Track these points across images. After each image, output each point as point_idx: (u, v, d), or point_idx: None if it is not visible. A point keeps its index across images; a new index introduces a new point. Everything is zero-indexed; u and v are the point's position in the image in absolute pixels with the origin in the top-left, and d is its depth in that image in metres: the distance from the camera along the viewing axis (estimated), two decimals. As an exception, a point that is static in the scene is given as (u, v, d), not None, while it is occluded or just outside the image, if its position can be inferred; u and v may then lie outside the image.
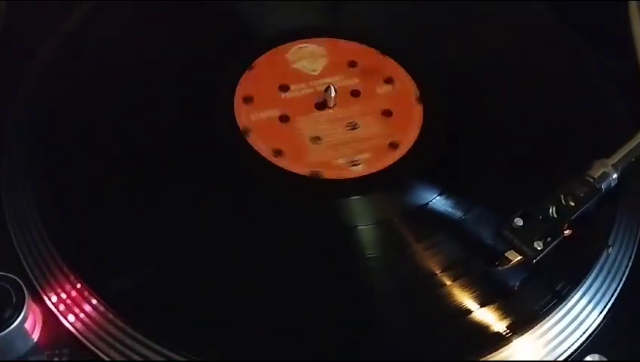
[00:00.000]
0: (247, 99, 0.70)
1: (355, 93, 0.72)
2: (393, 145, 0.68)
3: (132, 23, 0.76)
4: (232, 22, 0.77)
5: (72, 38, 0.73)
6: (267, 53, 0.73)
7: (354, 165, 0.67)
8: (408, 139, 0.69)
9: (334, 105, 0.70)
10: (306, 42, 0.74)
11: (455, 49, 0.77)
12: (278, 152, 0.67)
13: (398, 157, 0.67)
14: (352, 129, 0.70)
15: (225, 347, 0.56)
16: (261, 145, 0.67)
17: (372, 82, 0.73)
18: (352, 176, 0.66)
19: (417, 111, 0.71)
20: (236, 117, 0.69)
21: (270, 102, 0.70)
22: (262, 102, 0.70)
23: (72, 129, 0.67)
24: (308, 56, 0.73)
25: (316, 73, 0.73)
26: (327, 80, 0.72)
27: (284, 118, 0.70)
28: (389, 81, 0.73)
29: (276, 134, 0.68)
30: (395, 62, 0.75)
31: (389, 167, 0.67)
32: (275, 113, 0.69)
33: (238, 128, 0.68)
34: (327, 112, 0.70)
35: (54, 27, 0.75)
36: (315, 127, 0.69)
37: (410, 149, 0.68)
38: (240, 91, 0.70)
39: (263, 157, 0.66)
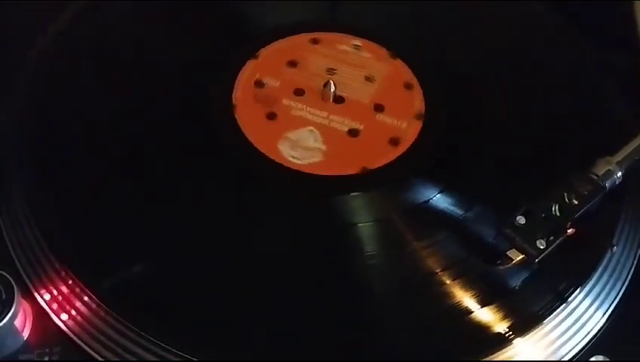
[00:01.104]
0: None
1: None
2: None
3: (127, 21, 0.75)
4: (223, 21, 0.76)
5: (64, 37, 0.72)
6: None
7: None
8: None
9: (334, 99, 0.70)
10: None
11: (454, 47, 0.76)
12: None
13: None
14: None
15: (222, 346, 0.55)
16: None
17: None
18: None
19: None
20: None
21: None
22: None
23: (66, 124, 0.66)
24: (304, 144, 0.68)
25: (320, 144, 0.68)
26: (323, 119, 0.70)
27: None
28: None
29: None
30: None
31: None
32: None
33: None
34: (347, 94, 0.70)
35: (49, 24, 0.74)
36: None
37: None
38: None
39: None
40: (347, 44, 0.75)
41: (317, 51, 0.74)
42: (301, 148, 0.66)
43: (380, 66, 0.73)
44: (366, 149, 0.67)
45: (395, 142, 0.67)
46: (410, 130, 0.68)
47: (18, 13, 0.75)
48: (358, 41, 0.75)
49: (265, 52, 0.73)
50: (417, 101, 0.71)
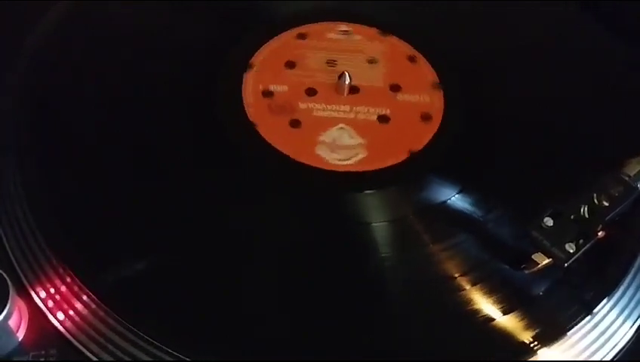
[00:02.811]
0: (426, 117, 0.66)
1: (312, 92, 0.68)
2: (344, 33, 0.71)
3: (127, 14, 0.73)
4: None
5: (65, 29, 0.71)
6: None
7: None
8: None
9: (348, 92, 0.67)
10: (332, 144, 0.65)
11: (479, 41, 0.74)
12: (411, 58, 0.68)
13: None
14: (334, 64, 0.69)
15: (223, 348, 0.54)
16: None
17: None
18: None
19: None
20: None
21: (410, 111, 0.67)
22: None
23: (66, 119, 0.65)
24: (340, 142, 0.64)
25: (350, 129, 0.65)
26: (345, 111, 0.67)
27: (394, 88, 0.68)
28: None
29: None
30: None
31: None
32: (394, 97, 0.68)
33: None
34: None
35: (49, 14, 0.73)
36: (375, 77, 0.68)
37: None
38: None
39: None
40: (335, 32, 0.72)
41: (309, 46, 0.71)
42: (340, 147, 0.64)
43: (376, 46, 0.71)
44: (403, 131, 0.65)
45: (426, 117, 0.66)
46: (435, 102, 0.67)
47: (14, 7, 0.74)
48: (344, 26, 0.73)
49: (258, 59, 0.69)
50: (427, 71, 0.70)
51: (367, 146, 0.64)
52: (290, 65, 0.70)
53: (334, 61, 0.70)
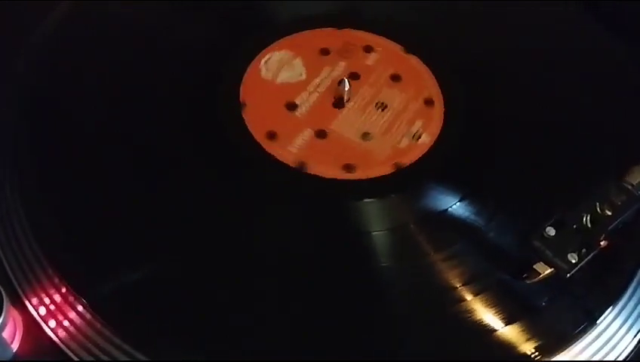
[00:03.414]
0: (271, 136, 0.64)
1: (355, 76, 0.70)
2: (428, 102, 0.68)
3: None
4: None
5: (61, 31, 0.70)
6: (243, 85, 0.68)
7: (419, 137, 0.66)
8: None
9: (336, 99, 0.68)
10: (267, 54, 0.70)
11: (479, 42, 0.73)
12: (347, 167, 0.63)
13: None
14: (384, 109, 0.68)
15: (223, 358, 0.53)
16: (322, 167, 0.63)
17: (357, 58, 0.72)
18: (427, 147, 0.65)
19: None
20: (278, 158, 0.63)
21: (295, 128, 0.65)
22: (287, 131, 0.65)
23: (61, 125, 0.64)
24: (282, 66, 0.70)
25: (304, 77, 0.69)
26: (320, 78, 0.69)
27: (320, 134, 0.65)
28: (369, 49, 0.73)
29: (329, 152, 0.64)
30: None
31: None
32: (308, 134, 0.65)
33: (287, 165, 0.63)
34: (350, 106, 0.68)
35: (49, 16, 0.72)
36: (353, 126, 0.66)
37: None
38: (257, 133, 0.64)
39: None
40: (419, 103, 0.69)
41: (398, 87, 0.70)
42: (278, 67, 0.69)
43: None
44: (280, 120, 0.66)
45: (429, 101, 0.67)
46: (328, 170, 0.63)
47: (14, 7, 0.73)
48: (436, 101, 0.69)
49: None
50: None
51: (278, 84, 0.68)
52: (397, 78, 0.70)
53: (385, 106, 0.68)
